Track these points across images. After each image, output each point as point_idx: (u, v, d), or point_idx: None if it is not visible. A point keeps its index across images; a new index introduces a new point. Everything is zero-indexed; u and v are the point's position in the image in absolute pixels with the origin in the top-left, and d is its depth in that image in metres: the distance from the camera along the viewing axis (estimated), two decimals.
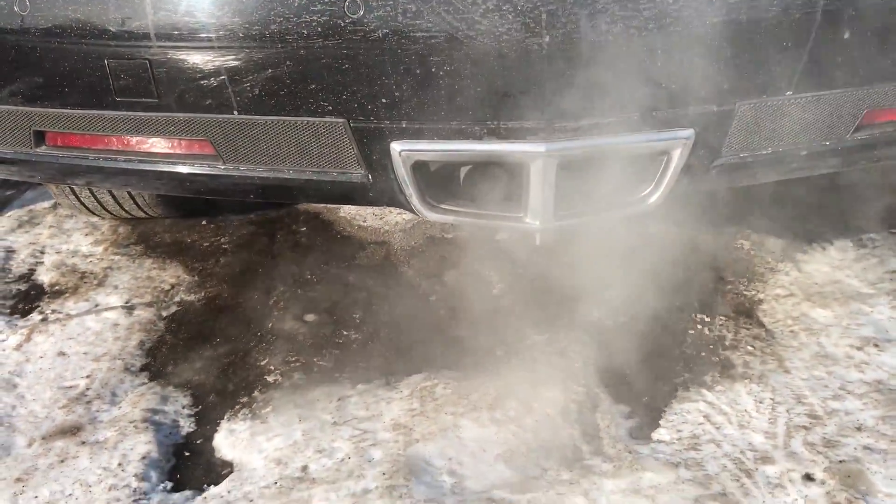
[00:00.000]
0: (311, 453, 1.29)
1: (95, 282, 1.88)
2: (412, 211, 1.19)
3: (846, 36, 1.08)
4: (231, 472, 1.28)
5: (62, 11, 1.11)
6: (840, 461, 1.21)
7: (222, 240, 2.07)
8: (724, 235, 1.88)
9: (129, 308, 1.76)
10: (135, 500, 1.21)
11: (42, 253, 2.05)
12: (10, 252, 2.06)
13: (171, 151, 1.21)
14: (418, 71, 1.05)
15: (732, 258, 1.84)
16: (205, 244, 2.05)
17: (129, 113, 1.17)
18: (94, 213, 2.03)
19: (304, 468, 1.26)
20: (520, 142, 1.08)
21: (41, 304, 1.82)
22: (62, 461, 1.29)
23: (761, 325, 1.60)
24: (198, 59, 1.09)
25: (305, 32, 1.04)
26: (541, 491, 1.18)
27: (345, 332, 1.66)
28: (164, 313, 1.75)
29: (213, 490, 1.24)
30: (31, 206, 2.34)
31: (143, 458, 1.30)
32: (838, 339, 1.53)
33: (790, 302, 1.66)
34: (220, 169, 1.20)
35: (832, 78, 1.12)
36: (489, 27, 1.01)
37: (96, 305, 1.79)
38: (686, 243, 1.80)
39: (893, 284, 1.71)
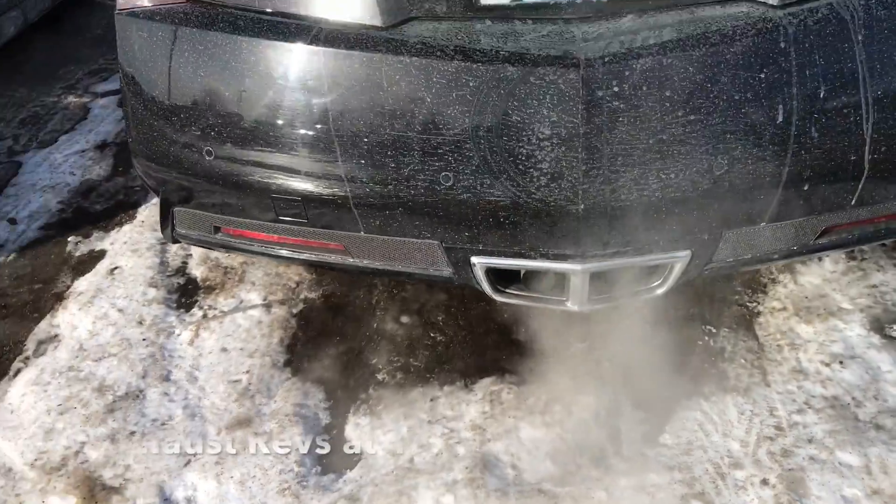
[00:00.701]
0: (415, 448, 1.85)
1: (237, 278, 2.42)
2: (484, 293, 1.68)
3: (805, 188, 1.48)
4: (360, 459, 1.85)
5: (239, 158, 1.58)
6: (790, 469, 1.71)
7: None
8: None
9: (267, 306, 2.30)
10: (298, 482, 1.80)
11: (188, 246, 2.59)
12: (164, 244, 2.60)
13: (315, 245, 1.70)
14: (491, 219, 1.50)
15: (744, 272, 2.26)
16: None
17: (285, 225, 1.66)
18: None
19: (411, 460, 1.82)
20: (563, 262, 1.54)
21: (199, 299, 2.36)
22: (244, 448, 1.88)
23: (755, 337, 2.06)
24: (336, 199, 1.56)
25: (413, 192, 1.49)
26: (575, 485, 1.72)
27: (431, 335, 2.18)
28: (294, 311, 2.29)
29: (349, 475, 1.81)
30: None
31: (300, 446, 1.87)
32: (813, 355, 1.98)
33: (782, 316, 2.10)
34: (349, 261, 1.70)
35: (796, 210, 1.53)
36: (542, 194, 1.45)
37: (241, 302, 2.33)
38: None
39: (870, 300, 2.12)
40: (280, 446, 1.85)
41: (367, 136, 1.46)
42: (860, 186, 1.51)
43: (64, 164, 3.08)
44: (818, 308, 2.10)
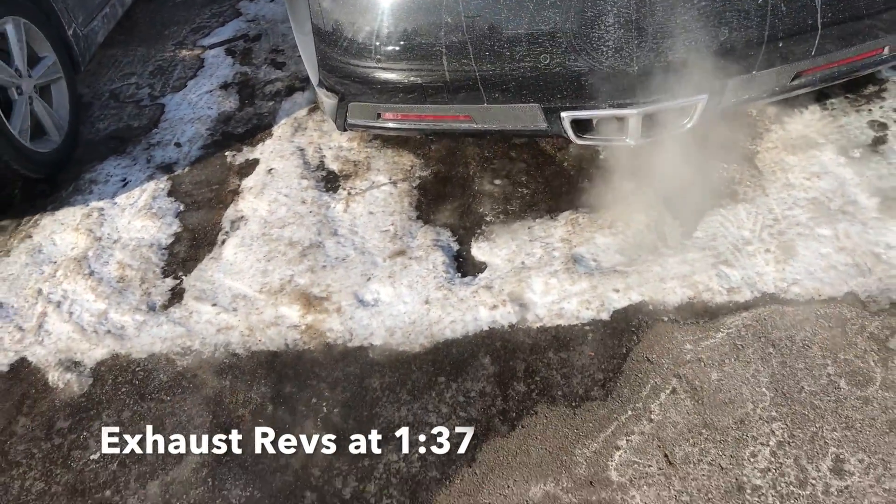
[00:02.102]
0: (523, 255, 2.68)
1: (365, 167, 3.23)
2: (569, 139, 2.49)
3: (780, 45, 2.28)
4: (486, 266, 2.68)
5: (398, 61, 2.38)
6: (784, 241, 2.54)
7: (426, 135, 3.37)
8: (740, 112, 3.08)
9: (393, 183, 3.12)
10: (447, 280, 2.63)
11: (320, 150, 3.40)
12: (302, 150, 3.41)
13: (449, 119, 2.52)
14: (575, 83, 2.30)
15: (747, 124, 3.06)
16: (417, 138, 3.36)
17: (430, 105, 2.47)
18: None
19: (522, 262, 2.65)
20: (623, 109, 2.35)
21: (340, 183, 3.18)
22: (405, 267, 2.71)
23: (756, 167, 2.87)
24: (468, 81, 2.36)
25: (522, 70, 2.30)
26: (638, 265, 2.55)
27: (519, 189, 3.00)
28: (414, 185, 3.10)
29: (481, 275, 2.65)
30: (294, 115, 3.66)
31: (443, 262, 2.70)
32: (798, 174, 2.79)
33: (774, 152, 2.91)
34: (474, 126, 2.51)
35: (776, 60, 2.33)
36: (609, 64, 2.26)
37: (373, 183, 3.15)
38: (716, 128, 3.02)
39: (839, 135, 2.92)
40: (430, 264, 2.68)
41: (490, 35, 2.26)
42: (816, 41, 2.30)
43: (199, 102, 3.88)
44: (801, 144, 2.90)
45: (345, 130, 2.69)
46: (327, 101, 2.66)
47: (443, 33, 2.26)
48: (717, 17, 2.17)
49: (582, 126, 2.45)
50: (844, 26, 2.27)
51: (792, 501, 1.86)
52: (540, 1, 2.19)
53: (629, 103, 2.31)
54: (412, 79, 2.37)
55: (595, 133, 2.47)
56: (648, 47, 2.19)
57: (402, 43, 2.32)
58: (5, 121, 3.12)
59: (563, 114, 2.37)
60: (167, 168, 3.40)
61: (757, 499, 1.88)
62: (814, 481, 1.89)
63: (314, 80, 2.71)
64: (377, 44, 2.34)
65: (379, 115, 2.55)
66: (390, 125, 2.57)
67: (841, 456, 1.93)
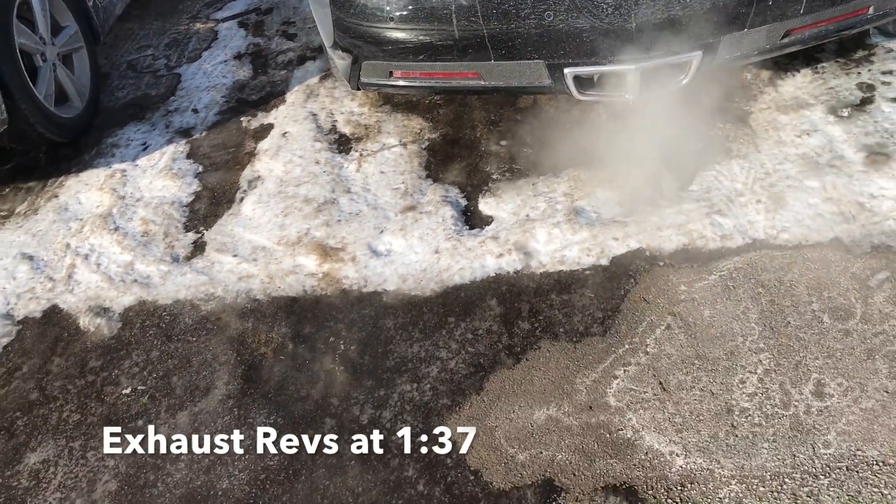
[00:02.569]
0: (528, 209, 2.83)
1: (375, 130, 3.38)
2: (571, 95, 2.63)
3: (770, 3, 2.42)
4: (493, 220, 2.83)
5: (410, 20, 2.53)
6: (775, 193, 2.68)
7: (435, 99, 3.51)
8: (736, 75, 3.23)
9: (403, 145, 3.27)
10: (456, 232, 2.78)
11: (332, 115, 3.55)
12: (314, 115, 3.55)
13: (458, 76, 2.66)
14: (577, 40, 2.45)
15: (742, 86, 3.20)
16: (426, 102, 3.51)
17: (440, 63, 2.61)
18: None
19: (527, 215, 2.80)
20: (623, 65, 2.49)
21: (352, 145, 3.33)
22: (416, 221, 2.86)
23: (749, 126, 3.01)
24: (477, 39, 2.50)
25: (527, 27, 2.44)
26: (635, 216, 2.69)
27: (524, 149, 3.14)
28: (423, 147, 3.25)
29: (488, 227, 2.80)
30: (307, 82, 3.80)
31: (451, 216, 2.85)
32: (789, 132, 2.93)
33: (767, 112, 3.05)
34: (480, 84, 2.66)
35: (766, 18, 2.47)
36: (608, 21, 2.40)
37: (383, 145, 3.30)
38: (712, 89, 3.16)
39: (828, 96, 3.06)
40: (439, 218, 2.83)
41: None
42: (805, 0, 2.44)
43: (214, 72, 4.02)
44: (792, 105, 3.04)
45: (358, 89, 2.84)
46: (341, 61, 2.80)
47: None
48: None
49: (583, 82, 2.59)
50: None
51: (776, 420, 2.02)
52: None
53: (628, 59, 2.45)
54: (423, 38, 2.51)
55: (596, 89, 2.61)
56: (646, 5, 2.33)
57: (413, 4, 2.46)
58: (32, 86, 3.27)
59: (565, 70, 2.52)
60: (185, 133, 3.55)
61: (744, 419, 2.03)
62: (796, 403, 2.05)
63: (328, 42, 2.85)
64: (390, 5, 2.48)
65: (391, 74, 2.69)
66: (401, 83, 2.71)
67: (822, 381, 2.09)
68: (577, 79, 2.54)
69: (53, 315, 2.71)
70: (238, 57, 4.10)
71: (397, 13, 2.49)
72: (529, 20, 2.39)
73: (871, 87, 3.02)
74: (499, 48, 2.48)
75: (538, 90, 2.64)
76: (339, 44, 2.69)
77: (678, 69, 2.54)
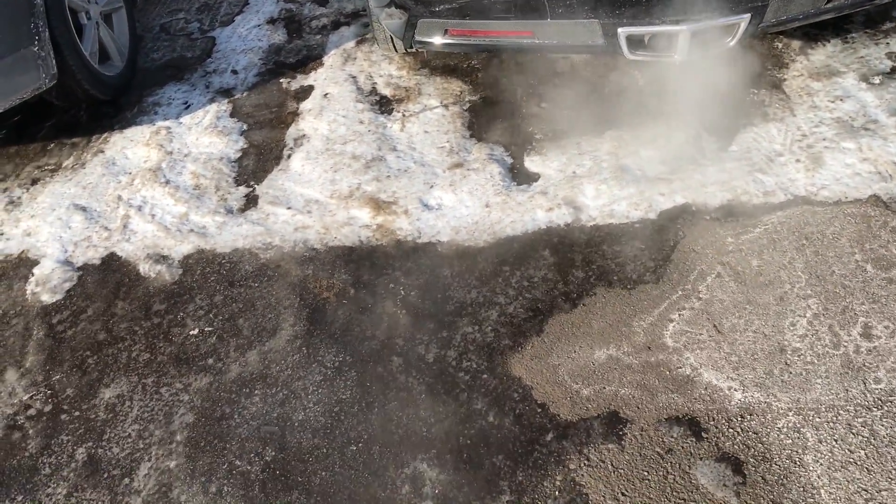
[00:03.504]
0: (573, 166, 2.93)
1: (416, 92, 3.46)
2: (623, 55, 2.73)
3: None
4: (540, 177, 2.93)
5: None
6: (812, 153, 2.80)
7: (473, 62, 3.60)
8: (767, 44, 3.34)
9: (444, 106, 3.36)
10: (504, 188, 2.87)
11: (371, 77, 3.62)
12: (353, 77, 3.63)
13: (511, 35, 2.75)
14: (631, 1, 2.55)
15: (773, 55, 3.31)
16: (464, 66, 3.59)
17: (496, 21, 2.70)
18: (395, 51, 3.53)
19: (574, 172, 2.90)
20: (675, 25, 2.59)
21: (394, 106, 3.41)
22: (464, 177, 2.96)
23: (783, 92, 3.12)
24: None
25: None
26: (679, 174, 2.80)
27: (564, 111, 3.24)
28: (465, 108, 3.34)
29: (535, 183, 2.89)
30: (343, 46, 3.87)
31: (499, 173, 2.95)
32: (823, 98, 3.05)
33: (801, 79, 3.16)
34: (533, 42, 2.75)
35: None
36: None
37: (425, 106, 3.38)
38: (746, 56, 3.27)
39: (859, 65, 3.18)
40: (487, 174, 2.93)
41: None
42: None
43: (249, 35, 4.08)
44: (825, 72, 3.15)
45: (410, 48, 2.92)
46: (394, 21, 2.87)
47: None
48: None
49: (634, 42, 2.69)
50: None
51: (828, 359, 2.13)
52: None
53: (681, 20, 2.55)
54: None
55: (647, 49, 2.71)
56: None
57: None
58: (80, 43, 3.32)
59: (619, 30, 2.61)
60: (226, 92, 3.62)
61: (797, 358, 2.15)
62: (846, 343, 2.17)
63: (379, 2, 2.92)
64: None
65: (446, 31, 2.78)
66: (456, 41, 2.79)
67: (869, 324, 2.21)
68: (630, 39, 2.64)
69: (112, 262, 2.78)
70: (271, 21, 4.16)
71: None
72: None
73: None
74: (555, 6, 2.57)
75: (589, 49, 2.74)
76: (396, 1, 2.77)
77: (726, 31, 2.64)
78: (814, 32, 3.34)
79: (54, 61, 3.11)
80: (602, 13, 2.55)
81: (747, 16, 2.57)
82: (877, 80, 3.03)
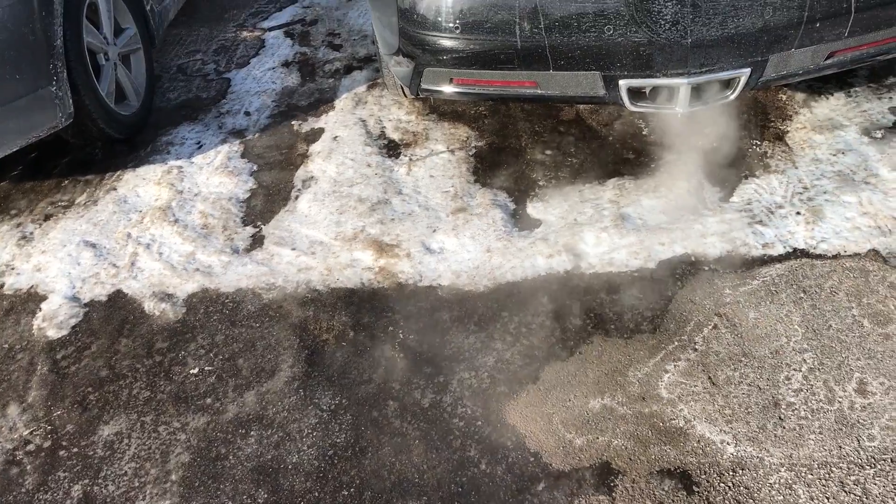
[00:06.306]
0: (575, 213, 2.96)
1: (423, 137, 3.52)
2: (624, 106, 2.77)
3: (817, 25, 2.57)
4: (541, 223, 2.96)
5: (474, 31, 2.67)
6: (813, 206, 2.81)
7: (480, 109, 3.66)
8: (771, 95, 3.38)
9: (451, 151, 3.41)
10: (506, 233, 2.90)
11: (380, 121, 3.69)
12: (363, 121, 3.70)
13: (515, 84, 2.80)
14: (633, 53, 2.59)
15: (777, 107, 3.35)
16: (471, 112, 3.65)
17: (501, 71, 2.76)
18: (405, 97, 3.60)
19: (575, 219, 2.93)
20: (676, 79, 2.64)
21: (401, 150, 3.47)
22: (467, 221, 2.99)
23: (786, 144, 3.15)
24: (538, 49, 2.65)
25: (587, 40, 2.58)
26: (680, 223, 2.82)
27: (568, 158, 3.28)
28: (470, 153, 3.39)
29: (537, 230, 2.92)
30: (355, 90, 3.95)
31: (501, 218, 2.98)
32: (825, 151, 3.07)
33: (803, 131, 3.19)
34: (536, 93, 2.80)
35: (812, 40, 2.61)
36: (665, 36, 2.54)
37: (432, 151, 3.44)
38: (750, 107, 3.32)
39: (862, 119, 3.20)
40: (490, 219, 2.97)
41: (561, 9, 2.55)
42: (850, 23, 2.59)
43: (263, 78, 4.18)
44: (827, 125, 3.18)
45: (417, 95, 2.98)
46: (402, 68, 2.94)
47: (517, 7, 2.55)
48: None
49: (636, 94, 2.73)
50: (875, 11, 2.55)
51: (822, 414, 2.13)
52: None
53: (682, 73, 2.59)
54: (486, 48, 2.65)
55: (648, 101, 2.75)
56: (702, 22, 2.48)
57: (480, 17, 2.60)
58: (97, 83, 3.41)
59: (620, 81, 2.66)
60: (238, 133, 3.69)
61: (791, 413, 2.15)
62: (840, 399, 2.17)
63: (389, 50, 2.99)
64: (457, 18, 2.62)
65: (451, 80, 2.83)
66: (461, 90, 2.85)
67: (864, 380, 2.21)
68: (631, 91, 2.68)
69: (118, 299, 2.83)
70: (286, 65, 4.25)
71: (464, 24, 2.63)
72: (590, 33, 2.54)
73: None
74: (558, 59, 2.62)
75: (591, 100, 2.78)
76: (403, 50, 2.83)
77: (726, 85, 2.68)
78: (817, 85, 3.38)
79: (71, 101, 3.20)
80: (603, 65, 2.60)
81: (748, 70, 2.61)
82: (879, 134, 3.05)
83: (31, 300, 2.85)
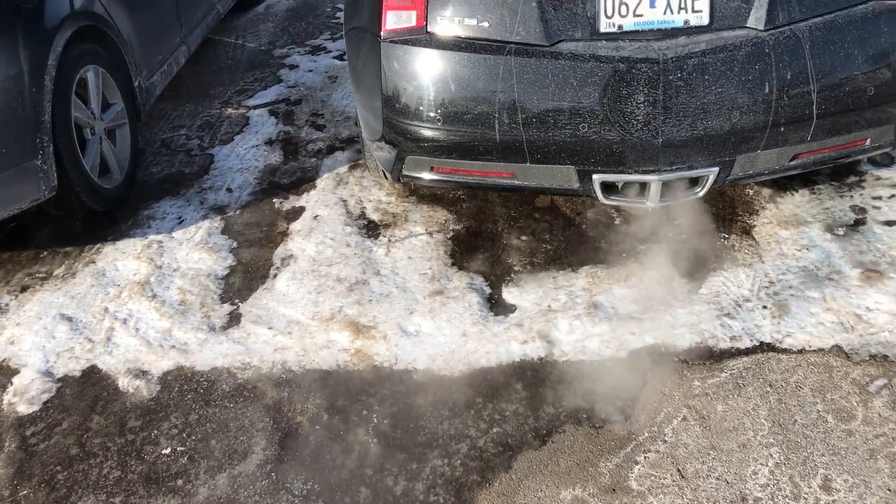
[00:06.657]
0: (549, 300, 3.03)
1: (403, 219, 3.60)
2: (597, 199, 2.88)
3: (782, 129, 2.70)
4: (516, 308, 3.02)
5: (455, 122, 2.78)
6: (779, 301, 2.91)
7: (459, 194, 3.75)
8: (739, 191, 3.52)
9: (429, 233, 3.49)
10: (482, 318, 2.95)
11: (361, 202, 3.77)
12: (344, 201, 3.77)
13: (494, 175, 2.90)
14: (607, 150, 2.70)
15: (745, 201, 3.48)
16: (450, 196, 3.74)
17: (480, 162, 2.86)
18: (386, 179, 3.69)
19: (549, 306, 3.00)
20: (647, 175, 2.75)
21: (381, 231, 3.54)
22: (444, 305, 3.04)
23: (753, 238, 3.26)
24: (516, 143, 2.76)
25: (562, 136, 2.70)
26: (650, 313, 2.90)
27: (543, 245, 3.37)
28: (448, 236, 3.47)
29: (511, 315, 2.98)
30: (337, 170, 4.04)
31: (477, 302, 3.04)
32: (790, 246, 3.19)
33: (770, 226, 3.31)
34: (513, 183, 2.90)
35: (777, 142, 2.75)
36: (637, 136, 2.66)
37: (410, 233, 3.51)
38: (719, 201, 3.45)
39: (825, 216, 3.33)
40: (466, 303, 3.02)
41: (538, 106, 2.67)
42: (812, 128, 2.73)
43: (247, 155, 4.26)
44: (792, 221, 3.31)
45: (398, 181, 3.07)
46: (384, 154, 3.03)
47: (497, 103, 2.67)
48: (730, 103, 2.60)
49: (609, 188, 2.84)
50: (835, 118, 2.70)
51: None
52: (583, 79, 2.61)
53: (652, 170, 2.70)
54: (466, 139, 2.76)
55: (620, 195, 2.86)
56: (672, 123, 2.61)
57: (461, 110, 2.71)
58: (82, 157, 3.47)
59: (594, 176, 2.76)
60: (219, 210, 3.75)
61: None
62: (806, 496, 2.21)
63: (372, 136, 3.09)
64: (439, 110, 2.73)
65: (432, 168, 2.93)
66: (441, 178, 2.94)
67: (829, 476, 2.26)
68: (604, 185, 2.79)
69: (93, 375, 2.83)
70: (269, 143, 4.34)
71: (446, 115, 2.74)
72: (565, 130, 2.65)
73: (862, 210, 3.30)
74: (535, 153, 2.73)
75: (566, 192, 2.88)
76: (386, 138, 2.93)
77: (695, 182, 2.80)
78: (783, 182, 3.52)
79: (55, 174, 3.25)
80: (578, 160, 2.71)
81: (716, 169, 2.73)
82: (841, 231, 3.18)
83: (3, 374, 2.83)
